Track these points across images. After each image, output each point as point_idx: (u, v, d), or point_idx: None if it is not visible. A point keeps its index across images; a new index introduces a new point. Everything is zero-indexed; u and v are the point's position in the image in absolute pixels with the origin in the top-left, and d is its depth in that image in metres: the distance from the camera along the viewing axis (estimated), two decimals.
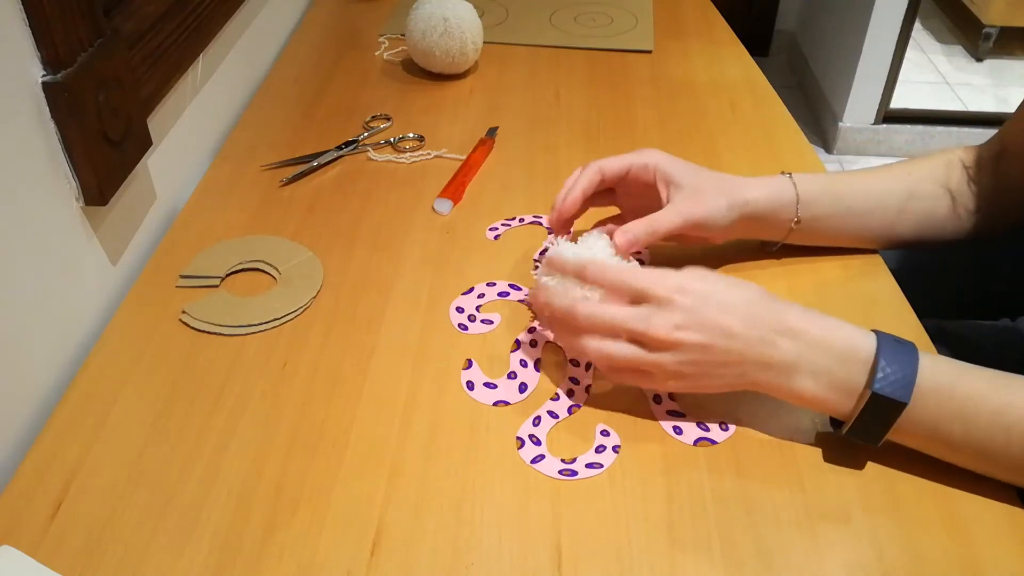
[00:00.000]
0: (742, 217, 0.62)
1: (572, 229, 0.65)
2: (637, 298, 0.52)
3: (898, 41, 2.17)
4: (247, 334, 0.61)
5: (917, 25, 2.24)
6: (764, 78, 0.98)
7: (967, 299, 0.80)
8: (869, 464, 0.51)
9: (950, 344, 0.66)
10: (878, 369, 0.48)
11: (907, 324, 0.62)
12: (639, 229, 0.59)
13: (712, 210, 0.61)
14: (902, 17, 2.13)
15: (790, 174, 0.65)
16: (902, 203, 0.66)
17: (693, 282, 0.52)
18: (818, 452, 0.52)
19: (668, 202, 0.61)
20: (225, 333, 0.61)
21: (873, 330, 0.51)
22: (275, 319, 0.62)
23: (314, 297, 0.64)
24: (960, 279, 0.80)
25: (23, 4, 0.53)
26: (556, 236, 0.61)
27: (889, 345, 0.49)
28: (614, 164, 0.62)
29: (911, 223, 0.66)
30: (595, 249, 0.57)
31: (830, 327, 0.51)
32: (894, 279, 0.66)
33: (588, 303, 0.53)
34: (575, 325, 0.53)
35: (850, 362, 0.49)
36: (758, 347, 0.50)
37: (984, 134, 2.50)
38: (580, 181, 0.62)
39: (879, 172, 0.68)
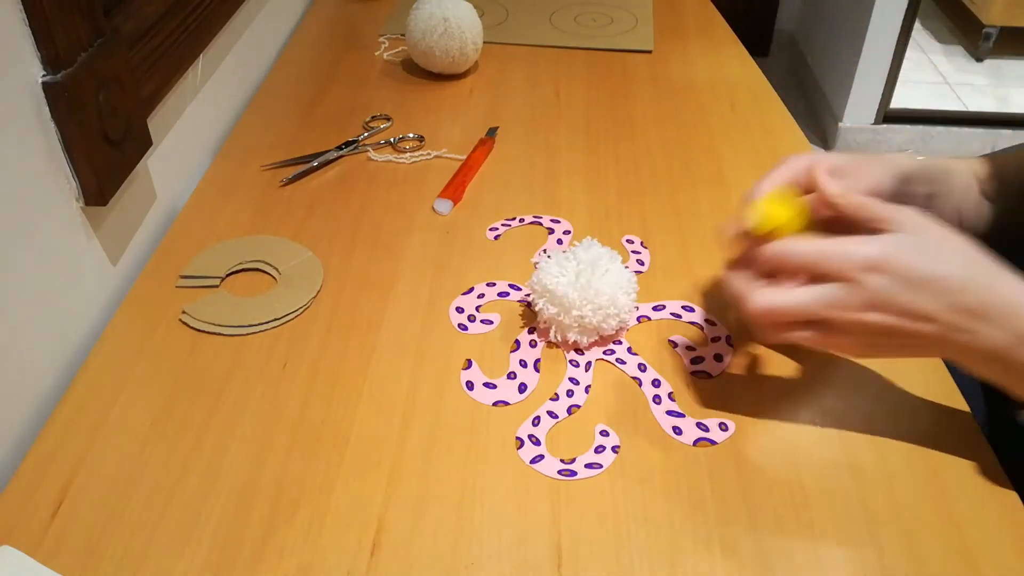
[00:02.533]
0: (907, 187, 0.56)
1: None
2: (818, 277, 0.47)
3: (898, 41, 2.17)
4: (247, 334, 0.61)
5: (917, 25, 2.24)
6: (764, 78, 0.98)
7: None
8: (869, 464, 0.51)
9: None
10: None
11: None
12: (849, 196, 0.50)
13: (879, 175, 0.55)
14: (902, 17, 2.13)
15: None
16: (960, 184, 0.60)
17: (889, 255, 0.45)
18: (818, 452, 0.52)
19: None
20: (225, 333, 0.61)
21: None
22: (275, 319, 0.62)
23: (314, 297, 0.64)
24: None
25: (23, 4, 0.53)
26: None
27: None
28: (774, 178, 0.54)
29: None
30: (608, 272, 0.58)
31: None
32: None
33: (764, 294, 0.48)
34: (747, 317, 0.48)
35: None
36: (955, 334, 0.45)
37: (984, 134, 2.50)
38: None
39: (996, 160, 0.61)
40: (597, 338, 0.60)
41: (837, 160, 0.55)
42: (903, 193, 0.56)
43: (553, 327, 0.59)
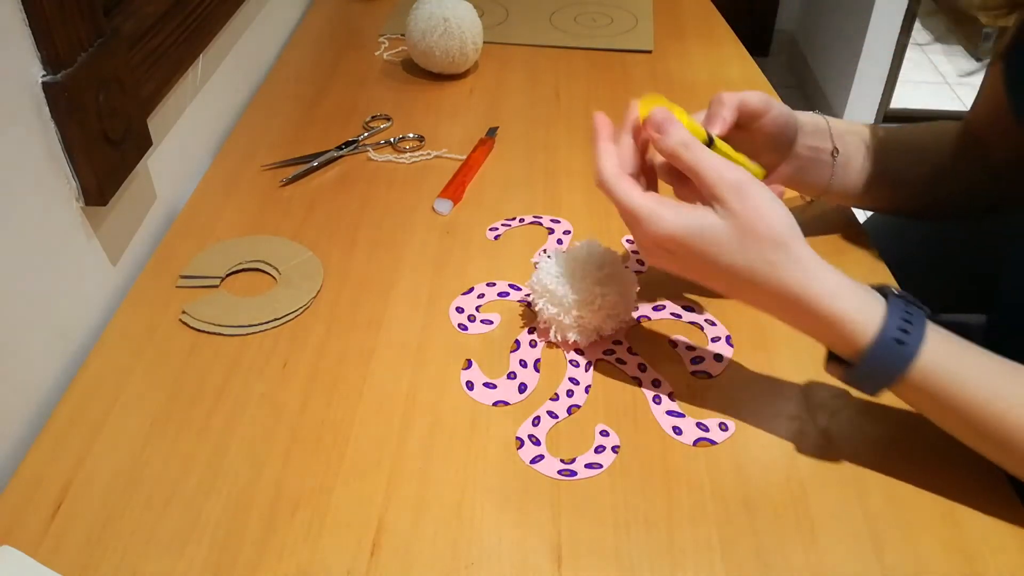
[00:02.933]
0: (797, 145, 0.62)
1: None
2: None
3: (898, 41, 2.17)
4: (247, 334, 0.61)
5: (917, 25, 2.24)
6: (764, 78, 0.98)
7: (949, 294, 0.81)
8: (869, 464, 0.51)
9: None
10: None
11: None
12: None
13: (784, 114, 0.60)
14: (902, 17, 2.13)
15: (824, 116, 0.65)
16: (935, 161, 0.67)
17: (683, 238, 0.49)
18: (818, 452, 0.52)
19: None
20: (225, 333, 0.61)
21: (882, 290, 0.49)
22: (275, 319, 0.62)
23: (314, 297, 0.64)
24: (942, 275, 0.81)
25: (23, 4, 0.53)
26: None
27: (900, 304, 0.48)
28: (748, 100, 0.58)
29: (944, 189, 0.67)
30: (608, 273, 0.58)
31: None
32: (889, 270, 0.67)
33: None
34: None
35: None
36: (737, 296, 0.51)
37: None
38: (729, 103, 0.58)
39: (915, 129, 0.68)
40: (597, 338, 0.60)
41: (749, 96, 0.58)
42: (798, 144, 0.62)
43: (553, 327, 0.59)
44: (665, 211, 0.49)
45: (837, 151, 0.64)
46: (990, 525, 0.48)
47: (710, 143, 0.53)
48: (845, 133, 0.65)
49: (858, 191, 0.67)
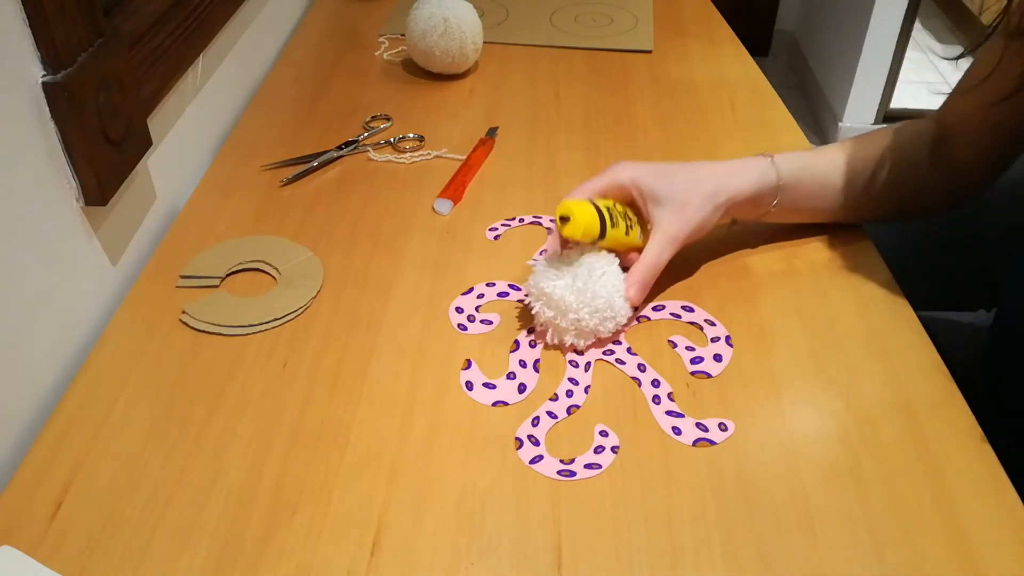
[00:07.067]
0: (728, 210, 0.63)
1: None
2: None
3: (898, 41, 2.17)
4: (247, 334, 0.61)
5: (917, 25, 2.24)
6: (764, 78, 0.98)
7: (945, 290, 0.81)
8: (869, 464, 0.51)
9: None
10: None
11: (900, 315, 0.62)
12: (641, 276, 0.60)
13: (700, 220, 0.61)
14: (902, 17, 2.13)
15: (771, 156, 0.65)
16: (871, 176, 0.67)
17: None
18: (818, 452, 0.52)
19: (652, 222, 0.61)
20: (225, 333, 0.61)
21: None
22: (275, 319, 0.62)
23: (314, 297, 0.64)
24: (937, 270, 0.82)
25: (23, 4, 0.53)
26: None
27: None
28: (594, 188, 0.62)
29: (885, 197, 0.68)
30: (605, 275, 0.59)
31: None
32: (887, 268, 0.67)
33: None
34: None
35: None
36: None
37: None
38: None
39: (854, 145, 0.68)
40: (594, 340, 0.60)
41: (655, 184, 0.61)
42: (725, 216, 0.64)
43: (550, 330, 0.59)
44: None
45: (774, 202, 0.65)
46: (990, 525, 0.48)
47: (603, 229, 0.59)
48: (793, 177, 0.65)
49: (804, 215, 0.68)
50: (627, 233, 0.61)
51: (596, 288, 0.57)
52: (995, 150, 0.66)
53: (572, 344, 0.59)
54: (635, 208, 0.63)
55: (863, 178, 0.67)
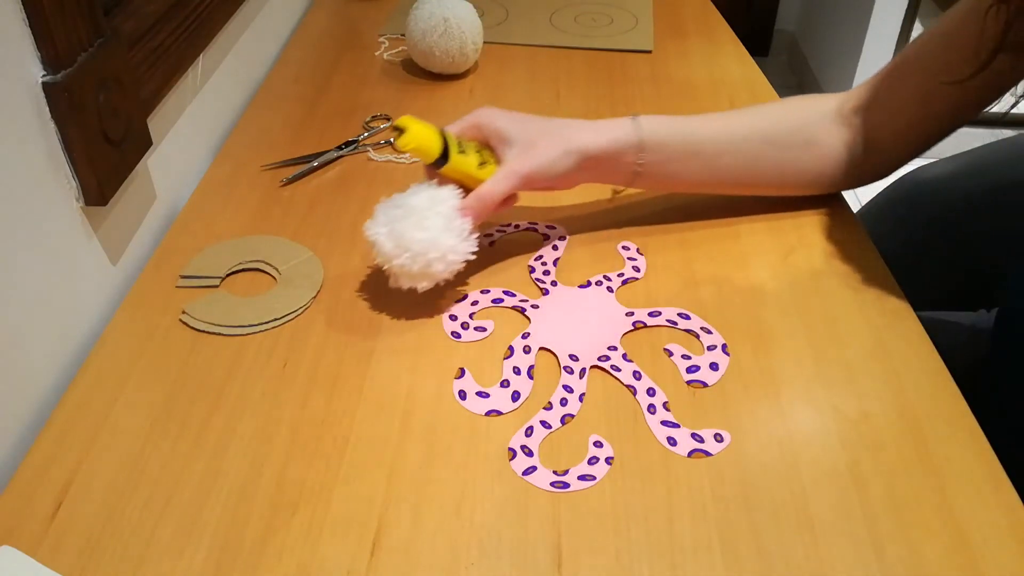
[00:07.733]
0: (581, 163, 0.63)
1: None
2: None
3: (898, 41, 2.17)
4: (247, 334, 0.61)
5: (917, 25, 2.24)
6: (764, 78, 0.98)
7: (941, 290, 0.81)
8: (869, 464, 0.51)
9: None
10: None
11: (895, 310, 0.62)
12: (472, 203, 0.60)
13: (545, 161, 0.61)
14: (902, 17, 2.13)
15: (636, 116, 0.65)
16: (757, 148, 0.66)
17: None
18: (817, 452, 0.52)
19: (502, 161, 0.62)
20: (225, 333, 0.61)
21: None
22: (275, 319, 0.62)
23: (314, 297, 0.64)
24: (934, 270, 0.82)
25: (23, 4, 0.53)
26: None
27: None
28: (453, 128, 0.64)
29: (771, 169, 0.67)
30: (430, 215, 0.59)
31: None
32: (887, 268, 0.67)
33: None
34: None
35: None
36: None
37: (983, 134, 2.49)
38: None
39: (731, 116, 0.68)
40: (433, 283, 0.60)
41: (508, 125, 0.62)
42: (586, 173, 0.65)
43: (391, 277, 0.60)
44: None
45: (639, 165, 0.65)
46: (990, 525, 0.48)
47: (445, 154, 0.60)
48: (665, 140, 0.65)
49: (681, 182, 0.68)
50: (480, 166, 0.62)
51: (412, 232, 0.57)
52: (921, 129, 0.65)
53: (411, 288, 0.60)
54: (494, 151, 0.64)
55: (746, 146, 0.66)
